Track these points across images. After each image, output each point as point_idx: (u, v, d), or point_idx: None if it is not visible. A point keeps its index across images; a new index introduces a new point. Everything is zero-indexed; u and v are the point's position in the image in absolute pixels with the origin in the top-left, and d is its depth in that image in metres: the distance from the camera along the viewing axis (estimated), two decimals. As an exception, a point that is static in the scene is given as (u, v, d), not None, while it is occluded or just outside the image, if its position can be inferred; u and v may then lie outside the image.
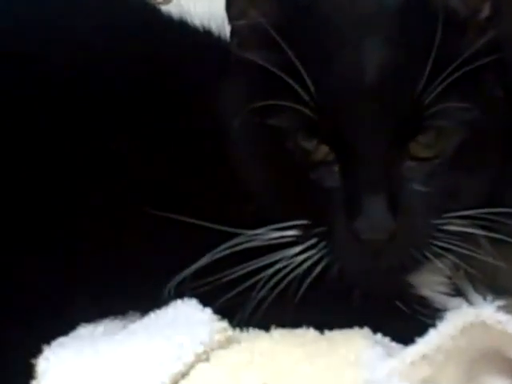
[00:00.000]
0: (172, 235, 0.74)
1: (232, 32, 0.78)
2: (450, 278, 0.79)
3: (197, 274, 0.72)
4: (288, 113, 0.70)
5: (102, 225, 0.75)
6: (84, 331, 0.75)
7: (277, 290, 0.71)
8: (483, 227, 0.71)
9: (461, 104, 0.68)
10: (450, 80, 0.67)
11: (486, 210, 0.70)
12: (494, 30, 0.71)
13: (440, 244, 0.70)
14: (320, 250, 0.71)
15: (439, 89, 0.67)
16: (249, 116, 0.73)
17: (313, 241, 0.71)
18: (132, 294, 0.76)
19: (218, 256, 0.71)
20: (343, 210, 0.69)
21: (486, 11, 0.72)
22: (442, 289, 0.79)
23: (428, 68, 0.66)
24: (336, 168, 0.71)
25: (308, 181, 0.72)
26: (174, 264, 0.72)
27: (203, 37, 0.84)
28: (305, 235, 0.72)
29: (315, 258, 0.71)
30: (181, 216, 0.70)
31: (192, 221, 0.70)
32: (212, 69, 0.79)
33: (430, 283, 0.78)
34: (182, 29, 0.85)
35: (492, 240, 0.72)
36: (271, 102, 0.70)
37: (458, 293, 0.79)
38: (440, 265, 0.73)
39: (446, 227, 0.70)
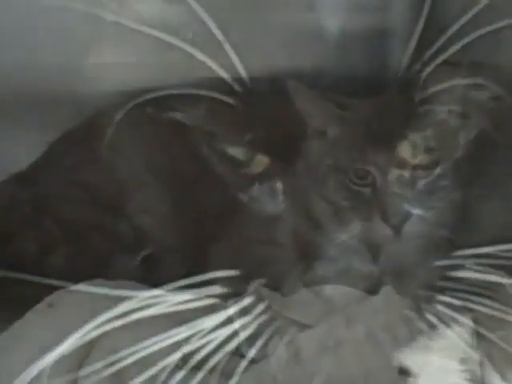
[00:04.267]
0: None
1: None
2: (463, 361, 0.58)
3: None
4: (201, 104, 0.58)
5: None
6: None
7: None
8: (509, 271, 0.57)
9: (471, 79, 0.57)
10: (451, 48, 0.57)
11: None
12: None
13: (448, 300, 0.55)
14: (258, 317, 0.55)
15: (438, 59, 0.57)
16: (138, 108, 0.59)
17: (247, 301, 0.55)
18: None
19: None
20: (296, 249, 0.56)
21: None
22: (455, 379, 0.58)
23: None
24: (279, 185, 0.58)
25: (236, 205, 0.58)
26: None
27: None
28: (232, 293, 0.57)
29: (250, 328, 0.55)
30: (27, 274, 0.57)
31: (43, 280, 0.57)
32: None
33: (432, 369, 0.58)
34: None
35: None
36: (173, 92, 0.59)
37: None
38: (451, 335, 0.55)
39: (456, 273, 0.56)
